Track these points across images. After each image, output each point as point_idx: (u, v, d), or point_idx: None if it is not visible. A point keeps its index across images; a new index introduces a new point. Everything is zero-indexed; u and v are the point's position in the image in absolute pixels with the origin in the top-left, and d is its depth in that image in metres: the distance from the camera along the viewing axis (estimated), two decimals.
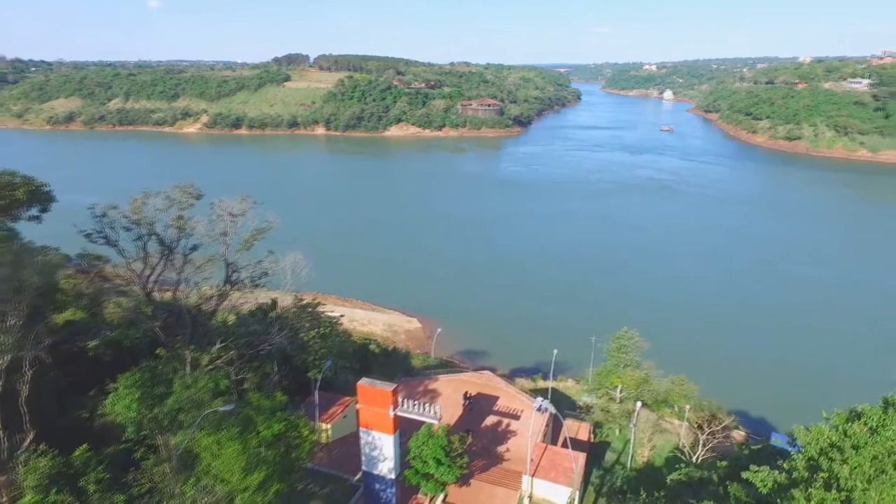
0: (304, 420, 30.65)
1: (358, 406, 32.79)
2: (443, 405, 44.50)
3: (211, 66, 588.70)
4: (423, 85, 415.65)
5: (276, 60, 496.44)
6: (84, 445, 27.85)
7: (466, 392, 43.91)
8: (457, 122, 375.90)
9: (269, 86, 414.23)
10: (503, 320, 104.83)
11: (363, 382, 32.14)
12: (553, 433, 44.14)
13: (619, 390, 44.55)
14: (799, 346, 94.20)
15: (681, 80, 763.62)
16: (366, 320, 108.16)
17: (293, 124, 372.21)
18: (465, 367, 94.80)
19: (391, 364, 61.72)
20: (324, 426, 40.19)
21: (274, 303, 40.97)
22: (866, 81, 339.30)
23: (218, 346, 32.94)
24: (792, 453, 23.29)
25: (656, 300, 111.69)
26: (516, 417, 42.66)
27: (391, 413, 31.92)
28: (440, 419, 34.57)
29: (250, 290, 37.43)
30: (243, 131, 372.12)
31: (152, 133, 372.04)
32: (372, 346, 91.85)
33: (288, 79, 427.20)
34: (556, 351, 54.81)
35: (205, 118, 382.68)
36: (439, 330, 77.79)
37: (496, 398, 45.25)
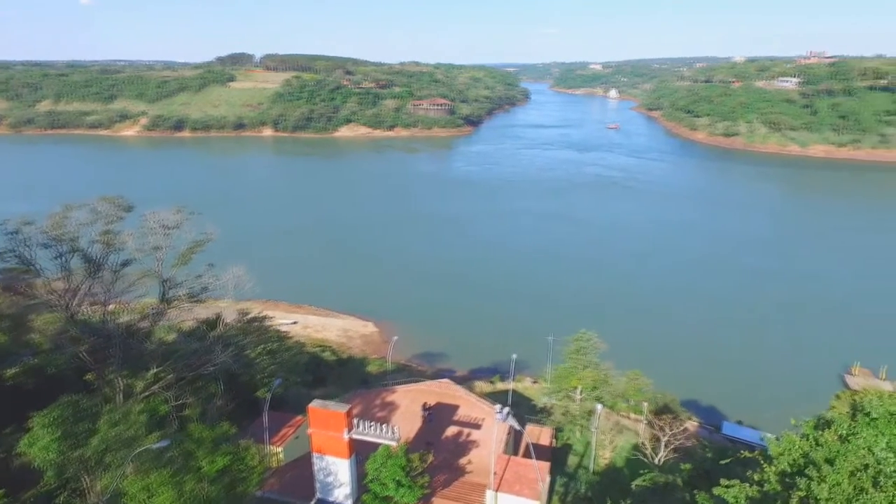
0: (253, 449, 28.29)
1: (309, 431, 30.70)
2: (401, 418, 42.92)
3: (149, 65, 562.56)
4: (373, 85, 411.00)
5: (220, 60, 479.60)
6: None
7: (425, 403, 42.49)
8: (408, 121, 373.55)
9: (213, 86, 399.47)
10: (461, 321, 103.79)
11: (315, 405, 30.05)
12: (515, 439, 43.35)
13: (578, 391, 44.19)
14: (746, 335, 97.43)
15: (625, 80, 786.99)
16: (320, 326, 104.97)
17: (239, 126, 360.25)
18: (423, 370, 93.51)
19: (346, 374, 59.51)
20: (275, 449, 37.75)
21: (218, 318, 38.22)
22: (795, 80, 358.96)
23: (154, 369, 30.00)
24: (756, 454, 22.92)
25: (611, 296, 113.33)
26: (477, 427, 41.52)
27: (345, 436, 29.98)
28: (399, 440, 32.90)
29: (189, 308, 34.53)
30: (186, 133, 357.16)
31: (87, 136, 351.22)
32: (326, 354, 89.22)
33: (232, 79, 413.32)
34: (514, 356, 54.14)
35: (144, 120, 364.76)
36: (395, 338, 75.87)
37: (456, 407, 43.98)
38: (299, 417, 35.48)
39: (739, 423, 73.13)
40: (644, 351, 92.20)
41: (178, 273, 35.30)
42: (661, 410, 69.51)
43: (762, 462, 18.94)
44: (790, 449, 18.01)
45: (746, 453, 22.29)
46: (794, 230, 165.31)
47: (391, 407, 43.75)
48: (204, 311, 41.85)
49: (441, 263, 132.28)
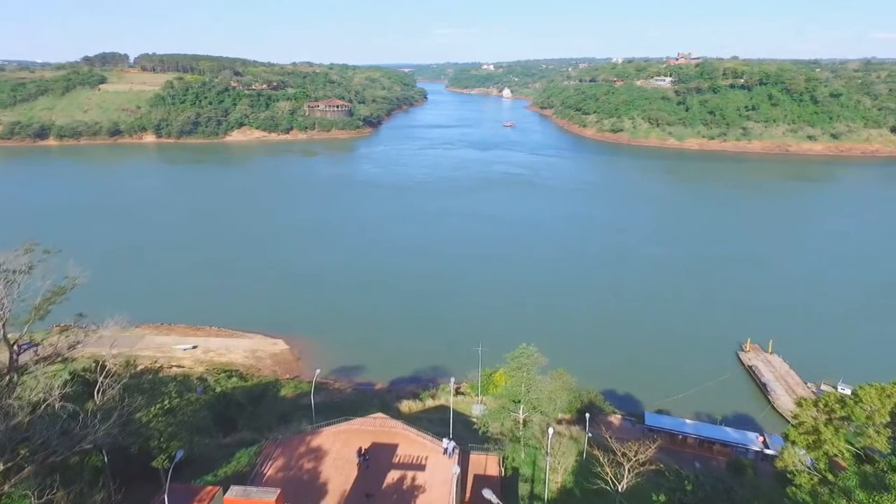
0: None
1: None
2: (332, 466, 37.63)
3: (0, 65, 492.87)
4: (264, 86, 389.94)
5: (87, 60, 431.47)
6: None
7: (360, 448, 37.59)
8: (305, 124, 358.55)
9: (81, 89, 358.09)
10: (377, 330, 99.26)
11: (233, 495, 24.30)
12: (462, 469, 39.57)
13: (521, 411, 41.62)
14: (649, 321, 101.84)
15: (516, 79, 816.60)
16: (224, 349, 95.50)
17: (115, 132, 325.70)
18: (342, 388, 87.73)
19: (262, 414, 52.54)
20: None
21: (96, 384, 30.09)
22: (669, 79, 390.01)
23: (2, 465, 22.52)
24: None
25: (527, 293, 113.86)
26: (421, 468, 37.31)
27: None
28: None
29: (51, 373, 26.95)
30: (52, 142, 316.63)
31: None
32: (233, 381, 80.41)
33: (104, 80, 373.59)
34: (452, 379, 50.61)
35: None
36: (298, 358, 69.66)
37: (395, 447, 39.43)
38: (211, 488, 29.28)
39: (660, 412, 75.95)
40: (557, 344, 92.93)
41: (34, 329, 27.51)
42: (586, 408, 69.66)
43: None
44: None
45: None
46: (683, 217, 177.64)
47: (319, 454, 38.27)
48: (82, 359, 34.14)
49: (354, 271, 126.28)
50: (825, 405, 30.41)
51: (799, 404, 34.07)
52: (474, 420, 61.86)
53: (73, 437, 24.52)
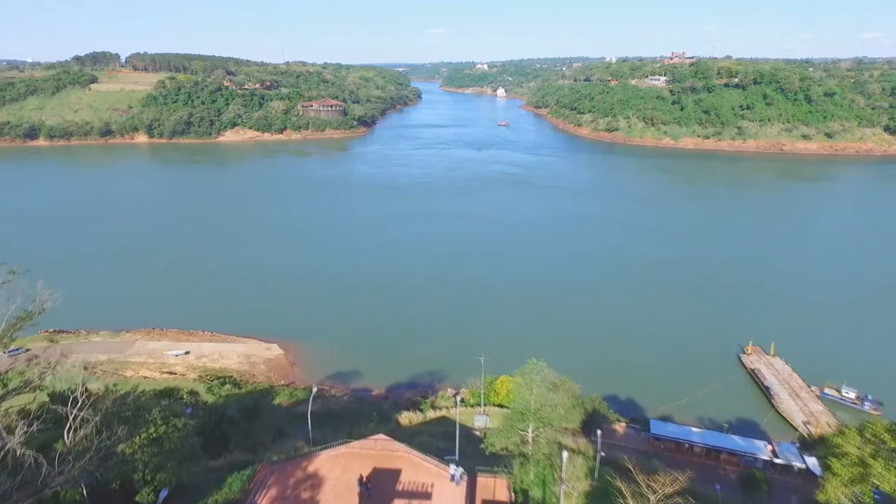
0: None
1: None
2: (331, 494, 35.13)
3: None
4: (257, 86, 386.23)
5: (78, 59, 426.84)
6: None
7: (361, 476, 35.15)
8: (299, 123, 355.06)
9: (72, 88, 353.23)
10: (375, 334, 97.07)
11: None
12: (469, 492, 37.32)
13: (530, 430, 39.40)
14: (650, 324, 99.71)
15: (510, 79, 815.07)
16: (217, 354, 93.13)
17: (107, 132, 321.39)
18: (338, 394, 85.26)
19: (256, 430, 50.08)
20: None
21: (72, 403, 27.41)
22: (663, 79, 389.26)
23: None
24: None
25: (527, 295, 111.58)
26: (426, 495, 34.90)
27: None
28: None
29: (15, 408, 24.26)
30: (42, 142, 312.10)
31: None
32: (227, 388, 77.84)
33: (95, 80, 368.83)
34: (458, 396, 48.34)
35: None
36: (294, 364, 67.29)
37: (398, 472, 36.98)
38: None
39: (664, 419, 73.89)
40: (556, 347, 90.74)
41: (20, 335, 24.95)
42: (590, 417, 67.51)
43: None
44: None
45: None
46: (681, 217, 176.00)
47: (316, 481, 35.81)
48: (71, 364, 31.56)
49: (349, 273, 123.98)
50: (872, 434, 28.35)
51: (841, 432, 31.95)
52: (477, 432, 59.80)
53: (40, 482, 21.93)
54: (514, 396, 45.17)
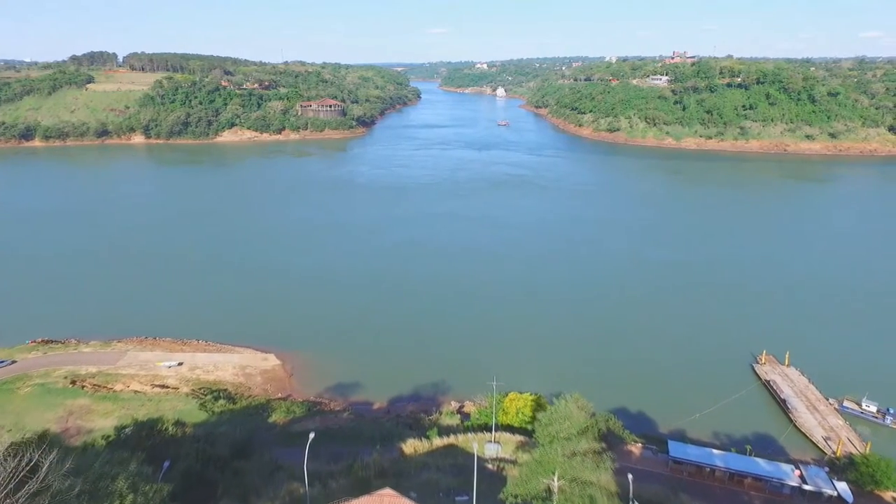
0: None
1: None
2: None
3: None
4: (255, 85, 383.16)
5: (75, 59, 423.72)
6: None
7: None
8: (297, 124, 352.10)
9: (68, 88, 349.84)
10: (373, 342, 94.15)
11: None
12: None
13: (556, 478, 36.56)
14: (661, 333, 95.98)
15: (510, 78, 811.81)
16: (211, 365, 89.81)
17: (103, 133, 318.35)
18: (336, 408, 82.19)
19: (248, 469, 46.30)
20: None
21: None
22: (665, 78, 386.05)
23: None
24: None
25: (533, 303, 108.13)
26: None
27: None
28: None
29: None
30: (37, 143, 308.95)
31: None
32: (220, 404, 74.39)
33: (91, 80, 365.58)
34: (477, 445, 44.77)
35: None
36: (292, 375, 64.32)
37: None
38: None
39: (680, 437, 69.58)
40: (564, 358, 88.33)
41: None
42: (605, 437, 63.65)
43: None
44: None
45: None
46: (688, 219, 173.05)
47: None
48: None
49: (347, 280, 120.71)
50: None
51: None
52: (489, 464, 56.21)
53: None
54: (538, 436, 41.64)
